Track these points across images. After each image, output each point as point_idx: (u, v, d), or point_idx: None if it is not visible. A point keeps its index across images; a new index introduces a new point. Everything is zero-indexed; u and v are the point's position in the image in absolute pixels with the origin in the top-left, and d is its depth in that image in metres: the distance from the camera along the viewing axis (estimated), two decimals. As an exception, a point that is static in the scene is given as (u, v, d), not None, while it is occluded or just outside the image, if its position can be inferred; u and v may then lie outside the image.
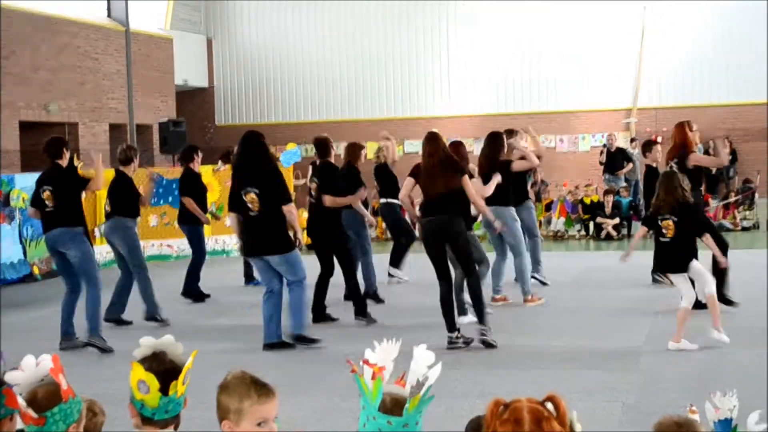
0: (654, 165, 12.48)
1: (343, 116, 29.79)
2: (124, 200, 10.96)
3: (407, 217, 12.88)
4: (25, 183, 15.09)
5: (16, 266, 14.95)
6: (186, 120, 23.92)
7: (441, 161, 9.01)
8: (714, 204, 20.47)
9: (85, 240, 9.68)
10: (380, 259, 12.96)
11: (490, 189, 10.51)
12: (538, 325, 10.09)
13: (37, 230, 14.46)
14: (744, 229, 19.68)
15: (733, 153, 26.09)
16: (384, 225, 13.41)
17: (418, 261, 12.11)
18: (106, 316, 10.41)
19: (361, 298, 10.60)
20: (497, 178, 10.62)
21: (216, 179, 16.34)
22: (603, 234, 19.04)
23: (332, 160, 11.01)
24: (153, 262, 15.86)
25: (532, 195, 13.42)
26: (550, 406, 2.46)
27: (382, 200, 13.21)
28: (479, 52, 28.48)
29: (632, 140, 25.11)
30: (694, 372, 7.76)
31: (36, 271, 15.24)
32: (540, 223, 19.33)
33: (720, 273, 10.02)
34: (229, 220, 9.57)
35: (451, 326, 8.96)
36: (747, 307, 10.40)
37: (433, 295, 9.24)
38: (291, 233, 9.32)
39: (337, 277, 10.70)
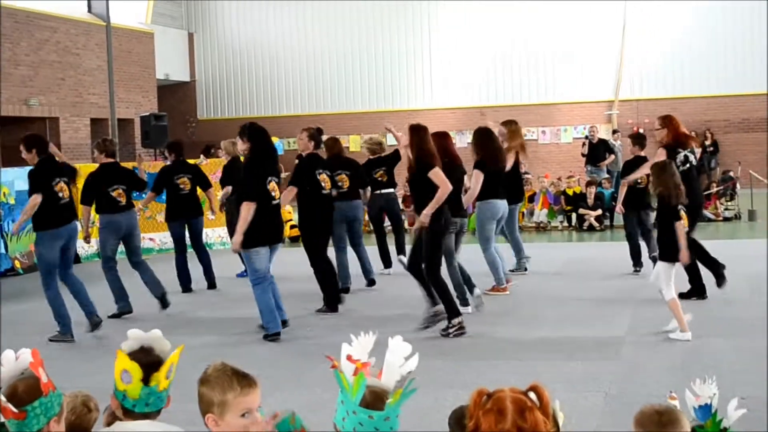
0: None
1: (325, 110, 29.79)
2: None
3: None
4: (6, 178, 15.02)
5: (-4, 260, 14.90)
6: (168, 114, 23.84)
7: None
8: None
9: None
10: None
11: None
12: (520, 316, 10.11)
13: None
14: (725, 219, 19.77)
15: (714, 144, 26.22)
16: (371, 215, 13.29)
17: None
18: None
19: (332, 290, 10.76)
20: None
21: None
22: (585, 225, 19.08)
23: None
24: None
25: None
26: (533, 395, 2.47)
27: (383, 191, 12.98)
28: (461, 45, 28.51)
29: (614, 132, 25.19)
30: (676, 362, 7.80)
31: (18, 265, 15.18)
32: (523, 214, 19.38)
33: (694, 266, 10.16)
34: (250, 210, 9.14)
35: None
36: (728, 298, 10.46)
37: (413, 287, 9.32)
38: None
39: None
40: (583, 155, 22.64)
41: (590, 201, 19.33)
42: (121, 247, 11.02)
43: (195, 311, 11.29)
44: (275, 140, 15.95)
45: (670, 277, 8.66)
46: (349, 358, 2.77)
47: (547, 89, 27.95)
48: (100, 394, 3.70)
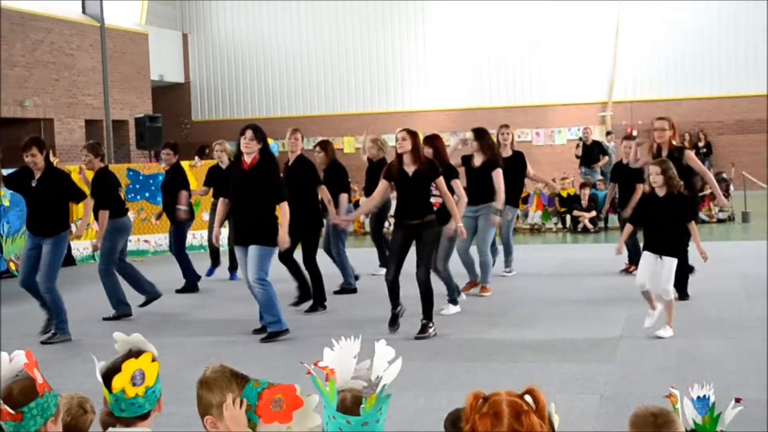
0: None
1: (319, 111, 29.79)
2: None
3: None
4: (0, 180, 14.99)
5: (-9, 262, 14.88)
6: (162, 115, 23.83)
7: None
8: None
9: None
10: (359, 253, 13.00)
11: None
12: (515, 317, 10.12)
13: (14, 226, 14.43)
14: (719, 221, 19.81)
15: (708, 145, 26.26)
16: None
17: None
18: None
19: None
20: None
21: (192, 174, 16.30)
22: (580, 227, 19.11)
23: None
24: (130, 257, 15.81)
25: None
26: (529, 399, 2.48)
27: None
28: (456, 46, 28.53)
29: (608, 133, 25.21)
30: (671, 363, 7.80)
31: (13, 267, 15.15)
32: (517, 216, 19.38)
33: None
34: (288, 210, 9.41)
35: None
36: (721, 299, 10.50)
37: (411, 286, 9.33)
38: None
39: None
40: (577, 157, 22.66)
41: (584, 203, 19.36)
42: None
43: (191, 313, 11.30)
44: (270, 142, 15.97)
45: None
46: (316, 364, 2.78)
47: (541, 91, 27.98)
48: (97, 396, 3.70)
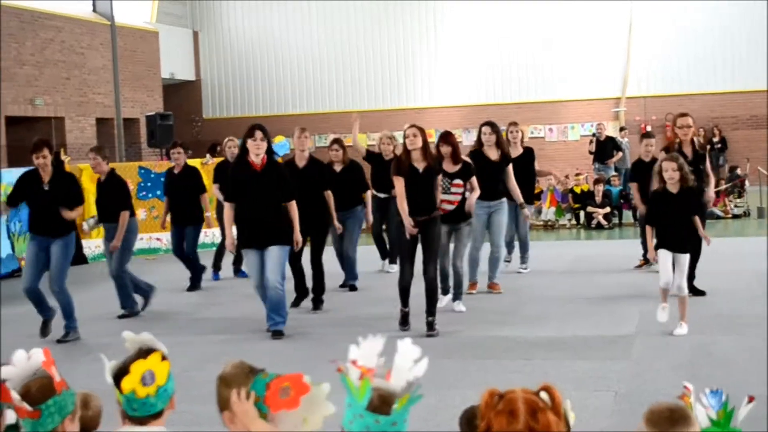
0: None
1: (330, 108, 29.76)
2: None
3: None
4: (11, 178, 14.96)
5: (4, 261, 14.86)
6: (173, 113, 23.83)
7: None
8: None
9: None
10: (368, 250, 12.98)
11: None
12: (528, 314, 10.07)
13: (25, 225, 14.39)
14: (735, 216, 19.70)
15: (722, 141, 26.13)
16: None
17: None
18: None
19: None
20: None
21: (204, 172, 16.27)
22: (593, 223, 19.02)
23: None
24: (142, 256, 15.85)
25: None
26: (545, 396, 2.43)
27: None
28: (467, 42, 28.46)
29: (621, 129, 25.12)
30: (685, 359, 7.74)
31: (24, 265, 15.15)
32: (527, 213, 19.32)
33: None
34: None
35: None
36: (735, 295, 10.41)
37: (418, 285, 9.27)
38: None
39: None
40: (590, 153, 22.59)
41: (598, 199, 19.27)
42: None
43: (200, 311, 11.27)
44: (281, 139, 15.98)
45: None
46: (353, 363, 2.73)
47: (554, 86, 27.88)
48: (102, 396, 3.65)
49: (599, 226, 18.90)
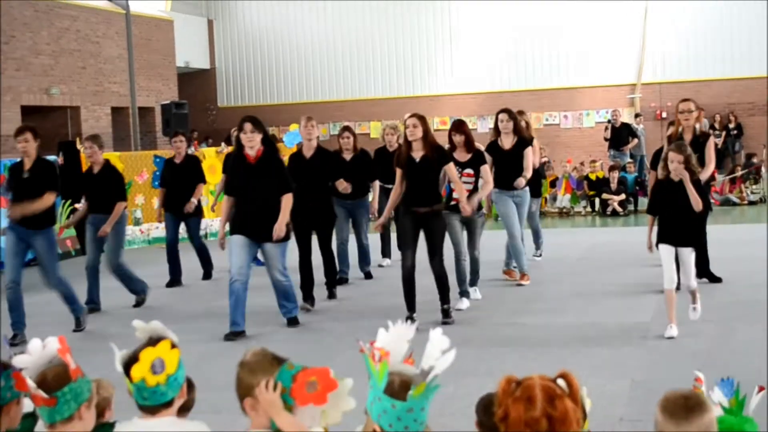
0: None
1: (345, 96, 29.72)
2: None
3: None
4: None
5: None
6: (188, 102, 23.85)
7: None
8: (720, 179, 20.39)
9: None
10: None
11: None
12: (544, 302, 10.06)
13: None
14: (751, 203, 19.62)
15: (738, 127, 26.00)
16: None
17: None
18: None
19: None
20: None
21: (219, 161, 16.32)
22: (609, 210, 18.98)
23: None
24: (157, 244, 15.88)
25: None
26: (562, 383, 2.43)
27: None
28: (483, 29, 28.35)
29: (637, 115, 25.01)
30: (702, 347, 7.72)
31: (6, 257, 15.13)
32: (546, 199, 19.29)
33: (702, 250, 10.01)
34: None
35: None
36: (752, 282, 10.36)
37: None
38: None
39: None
40: (605, 139, 22.53)
41: (613, 186, 19.22)
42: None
43: (216, 300, 11.30)
44: (296, 127, 15.92)
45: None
46: (372, 344, 2.75)
47: (569, 73, 27.76)
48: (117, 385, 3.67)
49: (614, 213, 18.85)
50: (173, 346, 3.09)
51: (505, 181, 10.87)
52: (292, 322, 9.35)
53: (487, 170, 9.96)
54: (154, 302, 11.02)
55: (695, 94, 21.08)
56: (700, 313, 8.42)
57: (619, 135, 22.01)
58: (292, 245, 9.71)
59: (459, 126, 10.07)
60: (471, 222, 10.04)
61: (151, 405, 3.07)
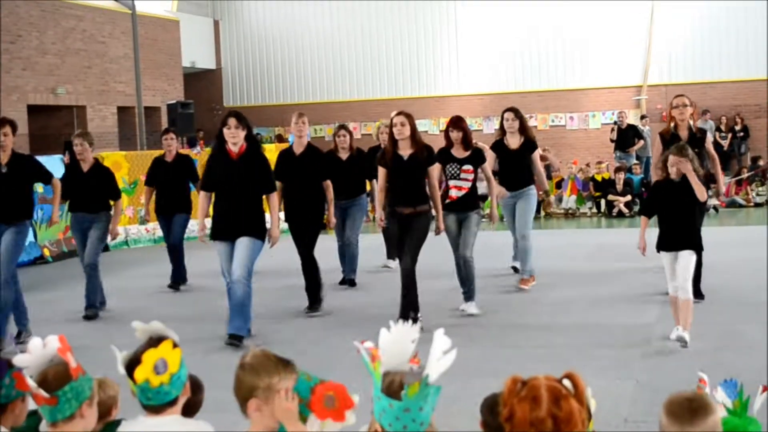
0: None
1: (351, 96, 29.71)
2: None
3: None
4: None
5: (27, 248, 14.94)
6: (194, 102, 23.87)
7: None
8: (726, 180, 20.36)
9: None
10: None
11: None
12: (549, 303, 10.05)
13: (47, 213, 14.47)
14: (756, 205, 19.60)
15: (744, 129, 25.96)
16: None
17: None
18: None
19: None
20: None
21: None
22: (615, 211, 18.96)
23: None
24: (162, 243, 15.86)
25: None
26: (568, 383, 2.43)
27: None
28: (488, 30, 28.33)
29: (643, 117, 24.99)
30: (707, 348, 7.71)
31: (47, 253, 15.25)
32: (551, 201, 19.29)
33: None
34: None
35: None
36: (760, 283, 10.34)
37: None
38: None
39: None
40: (611, 141, 22.51)
41: (619, 187, 19.22)
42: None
43: (219, 299, 11.29)
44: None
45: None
46: (363, 343, 2.77)
47: (575, 75, 27.73)
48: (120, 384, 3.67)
49: (620, 215, 18.84)
50: (174, 345, 3.09)
51: (510, 181, 10.84)
52: (234, 339, 8.34)
53: (488, 169, 9.91)
54: (155, 302, 11.02)
55: (701, 96, 21.10)
56: (687, 340, 7.71)
57: (625, 136, 22.00)
58: (286, 250, 9.58)
59: (457, 122, 9.78)
60: (465, 218, 9.51)
61: (156, 405, 3.07)
